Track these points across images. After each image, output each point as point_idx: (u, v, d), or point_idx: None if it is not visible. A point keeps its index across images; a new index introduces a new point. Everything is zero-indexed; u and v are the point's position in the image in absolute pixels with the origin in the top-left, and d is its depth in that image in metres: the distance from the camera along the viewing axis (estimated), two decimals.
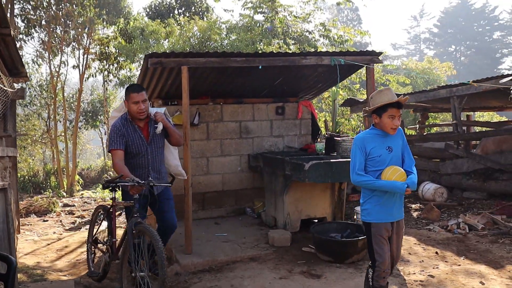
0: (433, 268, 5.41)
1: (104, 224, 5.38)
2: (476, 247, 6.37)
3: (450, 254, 6.05)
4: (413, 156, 4.11)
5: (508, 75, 7.92)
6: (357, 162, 3.90)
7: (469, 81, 8.09)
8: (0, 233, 4.61)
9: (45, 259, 7.01)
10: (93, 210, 12.14)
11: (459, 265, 5.63)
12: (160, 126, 4.76)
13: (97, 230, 5.47)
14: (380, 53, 6.77)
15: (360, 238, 5.71)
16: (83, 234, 9.07)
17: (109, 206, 5.02)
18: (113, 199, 4.78)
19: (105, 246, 5.22)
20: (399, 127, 3.95)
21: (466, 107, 13.13)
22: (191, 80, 5.80)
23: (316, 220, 7.07)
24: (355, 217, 6.57)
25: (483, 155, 9.86)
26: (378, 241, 3.93)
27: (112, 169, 18.61)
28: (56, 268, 6.48)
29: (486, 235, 6.98)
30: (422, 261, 5.78)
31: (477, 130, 14.61)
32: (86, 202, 14.00)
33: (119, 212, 11.63)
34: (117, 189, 4.58)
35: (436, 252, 6.07)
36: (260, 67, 6.12)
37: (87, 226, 10.06)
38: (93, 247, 5.49)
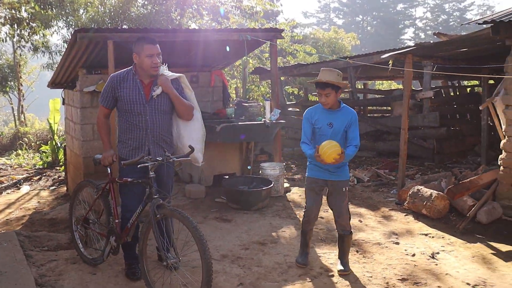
0: (324, 211, 6.44)
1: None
2: (360, 195, 7.67)
3: None
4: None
5: (392, 50, 9.09)
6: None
7: (346, 58, 9.24)
8: None
9: None
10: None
11: None
12: (158, 91, 4.07)
13: (89, 210, 4.68)
14: (282, 30, 7.68)
15: (263, 188, 6.71)
16: (6, 197, 9.46)
17: (103, 183, 4.41)
18: (110, 174, 4.33)
19: (102, 228, 4.54)
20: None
21: (363, 76, 14.55)
22: (115, 52, 6.32)
23: (227, 176, 7.97)
24: (260, 172, 7.51)
25: (373, 119, 11.29)
26: (308, 192, 4.64)
27: (27, 136, 18.39)
28: None
29: (370, 185, 8.34)
30: None
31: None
32: (1, 168, 14.04)
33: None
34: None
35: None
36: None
37: (8, 191, 10.41)
38: (84, 228, 4.67)
